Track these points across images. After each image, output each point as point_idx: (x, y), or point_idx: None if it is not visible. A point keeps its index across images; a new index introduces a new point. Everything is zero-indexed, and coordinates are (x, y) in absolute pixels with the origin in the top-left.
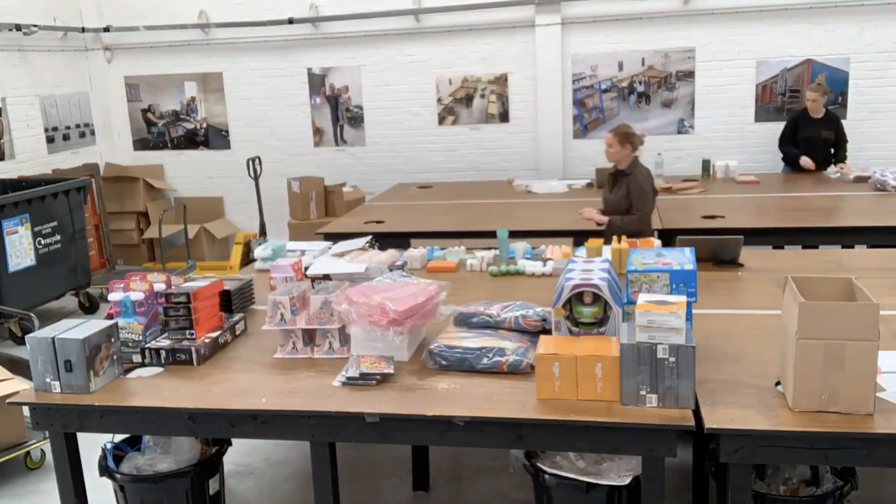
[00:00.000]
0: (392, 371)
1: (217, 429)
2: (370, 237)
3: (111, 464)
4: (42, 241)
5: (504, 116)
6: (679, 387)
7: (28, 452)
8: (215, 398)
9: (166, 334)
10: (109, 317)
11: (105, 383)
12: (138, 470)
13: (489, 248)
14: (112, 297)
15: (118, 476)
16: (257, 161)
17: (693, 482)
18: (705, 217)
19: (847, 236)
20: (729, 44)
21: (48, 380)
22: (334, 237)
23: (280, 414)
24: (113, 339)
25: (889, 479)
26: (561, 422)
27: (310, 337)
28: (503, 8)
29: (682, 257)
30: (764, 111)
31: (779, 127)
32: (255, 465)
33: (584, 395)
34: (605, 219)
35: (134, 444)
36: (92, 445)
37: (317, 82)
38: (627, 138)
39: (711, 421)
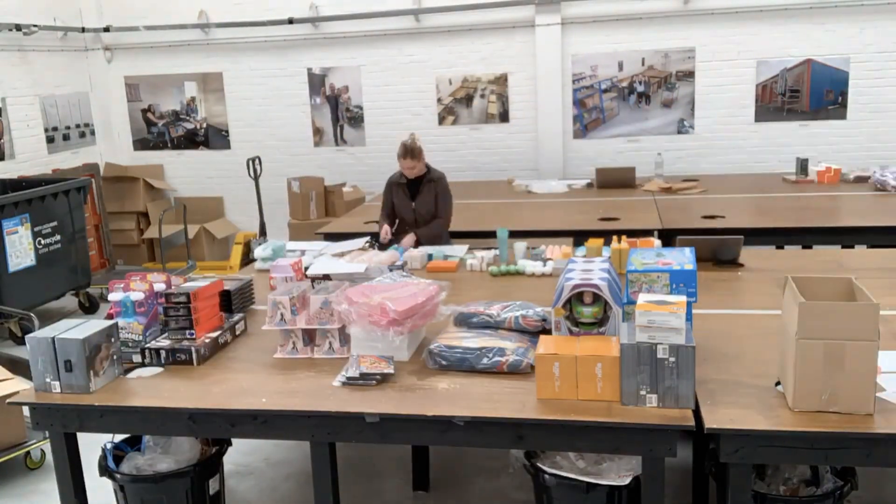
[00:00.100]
0: (392, 371)
1: (217, 429)
2: (369, 237)
3: (111, 464)
4: (42, 241)
5: (504, 116)
6: (679, 387)
7: (28, 452)
8: (215, 398)
9: (166, 334)
10: (109, 317)
11: (105, 383)
12: (138, 470)
13: (489, 248)
14: (112, 297)
15: (118, 476)
16: (257, 161)
17: (693, 482)
18: (705, 217)
19: (847, 236)
20: (729, 44)
21: (48, 380)
22: (334, 237)
23: (280, 414)
24: (113, 339)
25: (889, 479)
26: (561, 422)
27: (310, 337)
28: (503, 8)
29: (682, 257)
30: (764, 111)
31: (779, 127)
32: (255, 465)
33: (584, 395)
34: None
35: (134, 444)
36: (92, 445)
37: (317, 82)
38: (421, 152)
39: (711, 421)
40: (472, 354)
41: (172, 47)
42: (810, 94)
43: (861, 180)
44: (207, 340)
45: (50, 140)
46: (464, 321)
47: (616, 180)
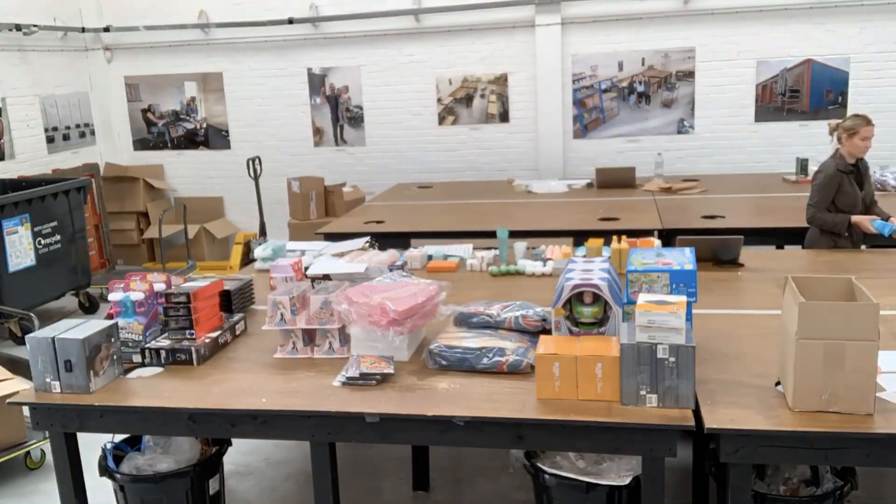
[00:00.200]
0: (392, 371)
1: (217, 429)
2: (369, 237)
3: (111, 464)
4: (42, 241)
5: (504, 116)
6: (679, 387)
7: (28, 452)
8: (215, 398)
9: (166, 334)
10: (109, 317)
11: (105, 383)
12: (138, 470)
13: (489, 248)
14: (112, 297)
15: (118, 476)
16: (257, 161)
17: (693, 482)
18: (705, 217)
19: None
20: (729, 44)
21: (48, 380)
22: (334, 237)
23: (280, 414)
24: (113, 339)
25: (889, 479)
26: (561, 422)
27: (310, 337)
28: (503, 8)
29: (682, 257)
30: (764, 111)
31: (779, 127)
32: (255, 465)
33: (584, 395)
34: None
35: (134, 444)
36: (92, 445)
37: (317, 82)
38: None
39: (711, 421)
40: (472, 354)
41: (172, 47)
42: (810, 94)
43: None
44: (207, 340)
45: (50, 140)
46: (464, 321)
47: (616, 180)
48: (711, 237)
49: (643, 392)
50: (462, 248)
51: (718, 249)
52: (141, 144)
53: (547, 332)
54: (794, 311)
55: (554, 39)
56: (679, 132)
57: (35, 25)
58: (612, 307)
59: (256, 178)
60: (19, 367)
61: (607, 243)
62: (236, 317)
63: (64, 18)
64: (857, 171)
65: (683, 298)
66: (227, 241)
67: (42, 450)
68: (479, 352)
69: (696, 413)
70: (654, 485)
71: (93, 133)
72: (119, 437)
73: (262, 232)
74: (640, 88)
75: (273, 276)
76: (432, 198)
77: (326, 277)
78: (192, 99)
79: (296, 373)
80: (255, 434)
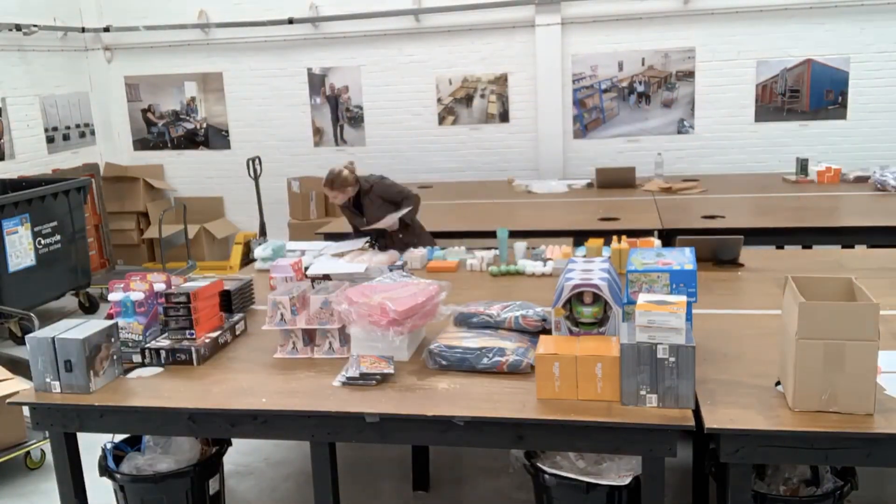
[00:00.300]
0: (392, 371)
1: (217, 429)
2: (369, 237)
3: (111, 464)
4: (42, 241)
5: (504, 116)
6: (679, 387)
7: (28, 452)
8: (215, 398)
9: (166, 334)
10: (109, 317)
11: (105, 383)
12: (138, 470)
13: (489, 248)
14: (112, 297)
15: (118, 476)
16: (257, 161)
17: (693, 482)
18: (705, 217)
19: (847, 236)
20: (729, 44)
21: (48, 380)
22: (334, 237)
23: (280, 414)
24: (113, 339)
25: (889, 479)
26: (561, 422)
27: (310, 337)
28: (503, 8)
29: (682, 257)
30: (764, 111)
31: (779, 127)
32: (255, 465)
33: (584, 395)
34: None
35: (134, 444)
36: (92, 445)
37: (317, 82)
38: (346, 182)
39: (711, 421)
40: (472, 354)
41: (172, 47)
42: (810, 94)
43: (861, 180)
44: (207, 340)
45: (50, 140)
46: (464, 321)
47: (616, 180)
48: (711, 237)
49: (643, 392)
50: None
51: (718, 249)
52: (141, 144)
53: (547, 332)
54: (794, 311)
55: (554, 39)
56: (679, 132)
57: (35, 25)
58: (612, 307)
59: (256, 178)
60: (19, 367)
61: (607, 243)
62: (236, 317)
63: (64, 18)
64: None
65: (683, 298)
66: (227, 241)
67: (42, 450)
68: (479, 352)
69: (696, 413)
70: (654, 485)
71: (93, 133)
72: (119, 437)
73: (262, 232)
74: (640, 88)
75: (273, 276)
76: (432, 198)
77: (326, 277)
78: (192, 99)
79: (296, 373)
80: (255, 434)
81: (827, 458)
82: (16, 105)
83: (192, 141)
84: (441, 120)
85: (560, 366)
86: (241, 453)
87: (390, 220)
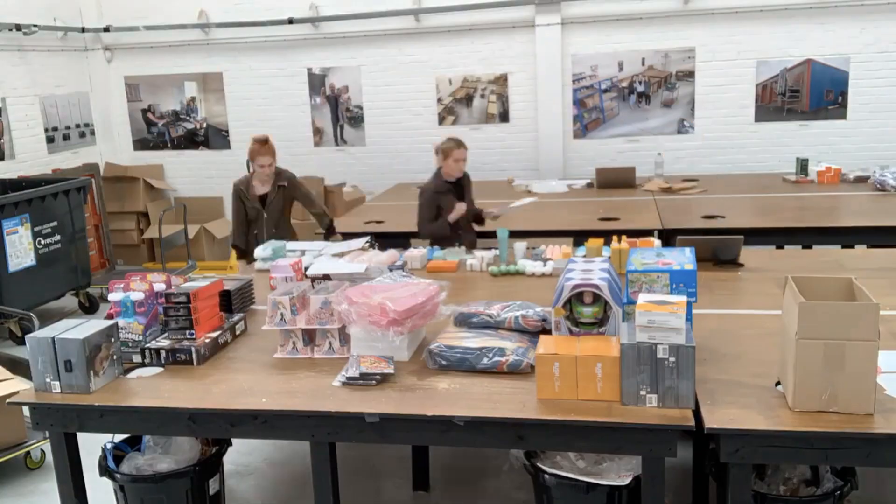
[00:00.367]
0: (392, 371)
1: (217, 429)
2: (369, 237)
3: (111, 464)
4: (42, 241)
5: (504, 116)
6: (679, 387)
7: (28, 452)
8: (215, 398)
9: (166, 334)
10: (109, 317)
11: (105, 383)
12: (138, 470)
13: (489, 248)
14: (112, 297)
15: (118, 476)
16: None
17: (693, 482)
18: (705, 217)
19: (847, 236)
20: (729, 44)
21: (48, 380)
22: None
23: (280, 414)
24: (113, 339)
25: (889, 479)
26: (561, 422)
27: (310, 337)
28: (503, 8)
29: (682, 257)
30: (764, 111)
31: (779, 127)
32: (255, 465)
33: (584, 395)
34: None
35: (134, 444)
36: (92, 445)
37: (317, 82)
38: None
39: (711, 421)
40: (472, 354)
41: (172, 47)
42: (810, 94)
43: (861, 180)
44: (207, 340)
45: (50, 140)
46: (464, 321)
47: (616, 180)
48: (711, 237)
49: (643, 392)
50: (457, 250)
51: (718, 249)
52: (141, 144)
53: (547, 332)
54: (794, 311)
55: (554, 39)
56: (679, 132)
57: (35, 25)
58: (612, 307)
59: None
60: (19, 367)
61: (607, 243)
62: (236, 317)
63: (64, 18)
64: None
65: (683, 298)
66: (227, 241)
67: (42, 450)
68: (479, 352)
69: (696, 413)
70: (654, 485)
71: (93, 133)
72: (119, 438)
73: None
74: (640, 88)
75: (273, 276)
76: None
77: (326, 277)
78: (192, 99)
79: (296, 373)
80: (255, 434)
81: (827, 458)
82: (16, 105)
83: (192, 141)
84: (441, 120)
85: (560, 366)
86: (241, 453)
87: (505, 209)
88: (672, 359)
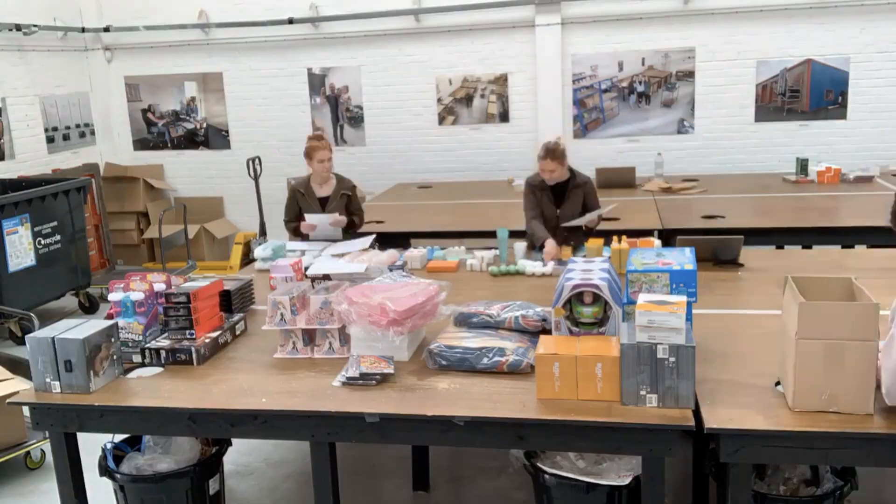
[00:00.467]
0: (392, 371)
1: (217, 429)
2: (374, 236)
3: (111, 464)
4: (42, 241)
5: (504, 116)
6: (679, 387)
7: (28, 452)
8: (215, 398)
9: (166, 334)
10: (109, 317)
11: (105, 383)
12: (138, 470)
13: (489, 248)
14: (112, 297)
15: (118, 476)
16: (257, 161)
17: (693, 482)
18: (705, 217)
19: (847, 236)
20: (729, 44)
21: (48, 380)
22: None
23: (280, 414)
24: (113, 339)
25: (889, 479)
26: (561, 422)
27: (310, 337)
28: (503, 8)
29: (682, 257)
30: (764, 111)
31: (779, 127)
32: (255, 465)
33: (584, 395)
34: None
35: (134, 444)
36: (92, 445)
37: (317, 82)
38: (564, 155)
39: (711, 421)
40: (472, 354)
41: (172, 47)
42: (810, 94)
43: (861, 180)
44: (207, 340)
45: (50, 140)
46: (464, 321)
47: (616, 180)
48: (711, 237)
49: (643, 392)
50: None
51: (718, 249)
52: (141, 144)
53: (547, 332)
54: (794, 311)
55: (554, 39)
56: (679, 132)
57: (35, 25)
58: (612, 307)
59: (256, 178)
60: (19, 367)
61: (607, 243)
62: (236, 317)
63: (64, 18)
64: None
65: (683, 298)
66: (227, 241)
67: (42, 450)
68: (479, 352)
69: (696, 413)
70: (654, 485)
71: (93, 133)
72: (119, 437)
73: (262, 232)
74: (640, 88)
75: (273, 276)
76: (432, 198)
77: (326, 277)
78: (192, 99)
79: (296, 373)
80: (255, 434)
81: (827, 458)
82: (16, 105)
83: (192, 141)
84: (441, 120)
85: (560, 366)
86: (241, 453)
87: (590, 217)
88: (672, 359)
